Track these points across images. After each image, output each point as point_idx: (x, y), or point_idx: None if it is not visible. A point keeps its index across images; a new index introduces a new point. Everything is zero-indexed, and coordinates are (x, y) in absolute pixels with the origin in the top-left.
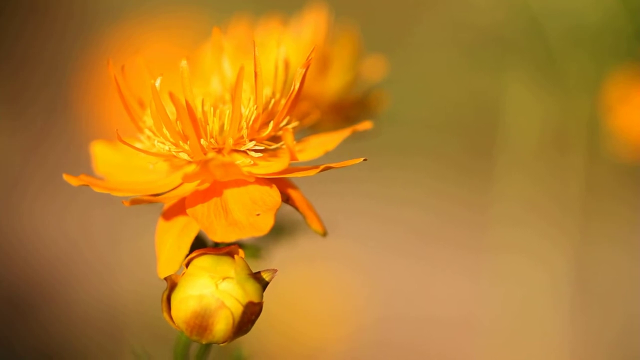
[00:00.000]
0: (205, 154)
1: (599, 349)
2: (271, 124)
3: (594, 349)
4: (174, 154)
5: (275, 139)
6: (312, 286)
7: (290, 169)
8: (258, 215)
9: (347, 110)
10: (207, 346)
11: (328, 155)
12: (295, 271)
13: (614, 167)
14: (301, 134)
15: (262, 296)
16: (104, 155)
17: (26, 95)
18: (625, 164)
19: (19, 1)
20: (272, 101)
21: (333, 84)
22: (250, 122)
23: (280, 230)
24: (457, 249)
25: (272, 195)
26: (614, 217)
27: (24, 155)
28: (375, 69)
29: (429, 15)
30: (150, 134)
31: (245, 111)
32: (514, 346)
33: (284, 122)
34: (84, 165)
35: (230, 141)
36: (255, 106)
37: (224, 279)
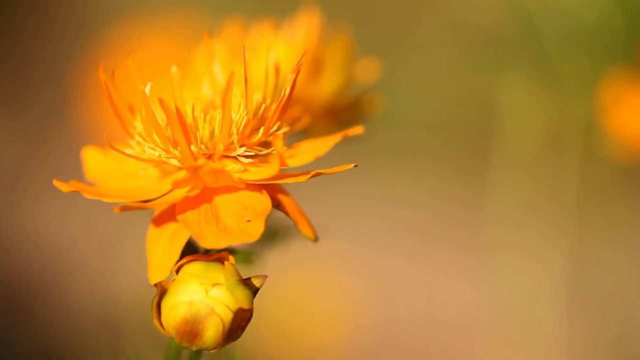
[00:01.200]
0: (195, 160)
1: (598, 349)
2: (262, 130)
3: (593, 349)
4: (164, 159)
5: (265, 144)
6: (311, 288)
7: (280, 175)
8: (248, 221)
9: (339, 114)
10: (198, 352)
11: (320, 159)
12: (294, 273)
13: (613, 167)
14: (293, 138)
15: (252, 302)
16: (94, 161)
17: (26, 95)
18: (623, 164)
19: (19, 1)
20: (263, 106)
21: (325, 87)
22: (241, 127)
23: (273, 236)
24: (457, 248)
25: (263, 201)
26: (613, 217)
27: (24, 155)
28: (368, 71)
29: (429, 15)
30: (140, 139)
31: (235, 117)
32: (514, 346)
33: (275, 128)
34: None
35: (221, 147)
36: (245, 111)
37: (213, 285)
